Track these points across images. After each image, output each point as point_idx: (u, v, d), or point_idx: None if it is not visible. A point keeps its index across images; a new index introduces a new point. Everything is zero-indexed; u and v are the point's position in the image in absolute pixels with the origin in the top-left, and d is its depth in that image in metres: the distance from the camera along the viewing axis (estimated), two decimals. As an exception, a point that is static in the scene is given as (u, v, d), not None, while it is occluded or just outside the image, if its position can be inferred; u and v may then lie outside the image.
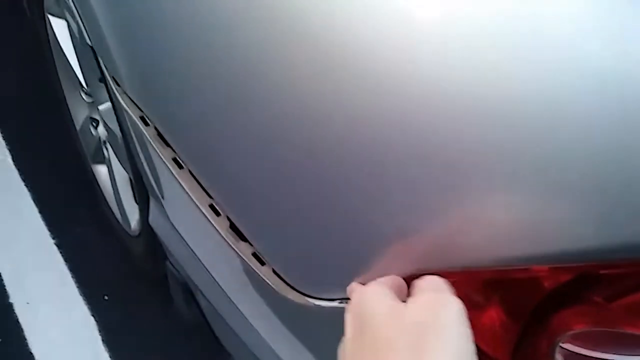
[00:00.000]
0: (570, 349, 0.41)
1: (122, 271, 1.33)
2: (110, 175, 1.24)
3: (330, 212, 0.48)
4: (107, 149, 1.23)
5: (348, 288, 0.45)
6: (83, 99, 1.26)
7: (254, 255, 0.59)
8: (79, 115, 1.33)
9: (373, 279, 0.45)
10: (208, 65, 0.53)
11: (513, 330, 0.41)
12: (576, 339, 0.41)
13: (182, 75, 0.57)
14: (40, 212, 1.43)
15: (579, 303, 0.38)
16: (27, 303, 1.29)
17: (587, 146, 0.34)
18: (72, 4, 0.80)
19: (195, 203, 0.64)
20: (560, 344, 0.41)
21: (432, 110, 0.38)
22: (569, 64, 0.34)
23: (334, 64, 0.42)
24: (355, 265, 0.48)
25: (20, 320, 1.26)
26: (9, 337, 1.23)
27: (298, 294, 0.55)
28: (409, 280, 0.43)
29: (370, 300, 0.38)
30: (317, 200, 0.48)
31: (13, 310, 1.27)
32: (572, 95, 0.34)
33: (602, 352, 0.42)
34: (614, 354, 0.42)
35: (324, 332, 0.58)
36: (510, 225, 0.37)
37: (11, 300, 1.28)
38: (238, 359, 0.96)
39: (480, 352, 0.44)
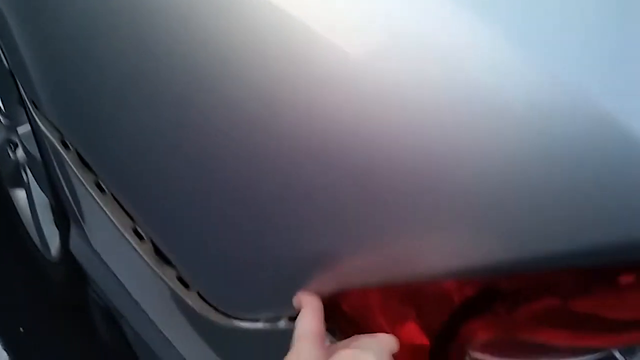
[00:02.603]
0: (475, 357, 0.44)
1: (39, 300, 1.26)
2: (29, 200, 1.19)
3: (253, 235, 0.49)
4: (26, 172, 1.18)
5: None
6: (0, 121, 1.21)
7: (179, 278, 0.59)
8: (-5, 137, 1.27)
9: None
10: (129, 88, 0.53)
11: (427, 343, 0.44)
12: (485, 349, 0.44)
13: (103, 100, 0.57)
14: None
15: (485, 314, 0.41)
16: None
17: (491, 162, 0.37)
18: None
19: (118, 228, 0.63)
20: (471, 355, 0.44)
21: (355, 127, 0.40)
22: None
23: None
24: (277, 286, 0.49)
25: None
26: None
27: (223, 316, 0.56)
28: (330, 300, 0.45)
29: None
30: (240, 221, 0.49)
31: None
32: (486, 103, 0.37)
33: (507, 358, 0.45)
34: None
35: (249, 353, 0.58)
36: (422, 243, 0.39)
37: None
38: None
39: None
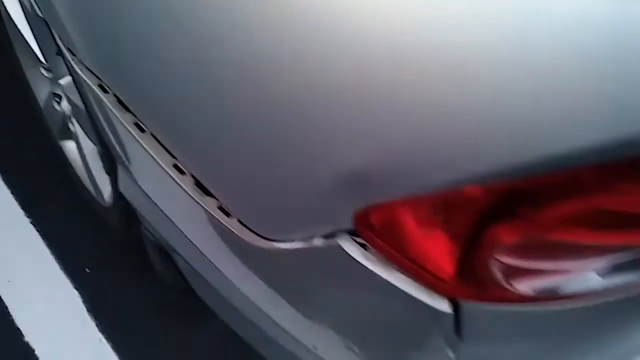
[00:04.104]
0: (508, 262, 0.46)
1: (100, 243, 1.35)
2: (79, 150, 1.25)
3: (281, 160, 0.51)
4: (72, 123, 1.23)
5: None
6: (44, 75, 1.25)
7: (220, 208, 0.62)
8: (41, 92, 1.32)
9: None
10: (162, 25, 0.54)
11: (456, 250, 0.46)
12: (512, 253, 0.45)
13: (137, 38, 0.58)
14: (12, 193, 1.43)
15: (510, 218, 0.42)
16: (8, 281, 1.31)
17: (508, 67, 0.37)
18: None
19: (160, 164, 0.66)
20: (498, 258, 0.45)
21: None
22: None
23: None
24: (308, 206, 0.52)
25: (3, 298, 1.28)
26: (-5, 316, 1.26)
27: (263, 239, 0.59)
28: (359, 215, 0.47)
29: None
30: (269, 149, 0.51)
31: (-4, 290, 1.29)
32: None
33: (538, 262, 0.46)
34: (548, 263, 0.46)
35: (289, 271, 0.62)
36: (442, 151, 0.40)
37: (-7, 281, 1.30)
38: (220, 314, 1.00)
39: (429, 274, 0.48)
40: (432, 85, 0.39)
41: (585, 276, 0.48)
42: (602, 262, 0.47)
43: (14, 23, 1.17)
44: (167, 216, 0.77)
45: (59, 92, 1.25)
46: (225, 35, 0.49)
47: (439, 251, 0.46)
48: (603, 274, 0.48)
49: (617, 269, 0.48)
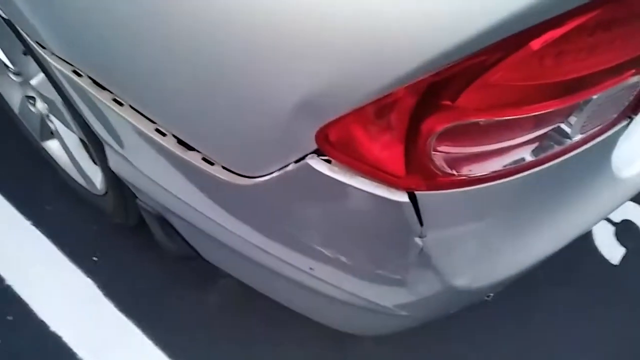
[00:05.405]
0: (446, 151, 0.54)
1: (100, 231, 1.43)
2: (63, 146, 1.30)
3: (247, 103, 0.58)
4: (51, 121, 1.28)
5: None
6: (13, 80, 1.29)
7: (203, 159, 0.70)
8: (14, 97, 1.36)
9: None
10: (124, 6, 0.60)
11: (401, 147, 0.54)
12: (447, 140, 0.53)
13: (103, 19, 0.64)
14: (8, 200, 1.49)
15: (436, 110, 0.50)
16: (24, 282, 1.38)
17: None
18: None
19: (143, 132, 0.73)
20: (437, 149, 0.54)
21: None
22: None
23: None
24: (279, 138, 0.59)
25: (23, 297, 1.35)
26: (17, 313, 1.33)
27: (247, 178, 0.67)
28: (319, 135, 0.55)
29: None
30: (235, 98, 0.58)
31: (13, 290, 1.36)
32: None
33: (471, 147, 0.55)
34: (479, 146, 0.55)
35: (274, 202, 0.70)
36: (367, 64, 0.48)
37: (8, 282, 1.37)
38: (222, 266, 1.09)
39: (384, 173, 0.57)
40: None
41: (514, 153, 0.56)
42: (525, 138, 0.55)
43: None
44: (157, 183, 0.85)
45: (31, 93, 1.29)
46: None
47: (388, 151, 0.54)
48: (529, 148, 0.57)
49: (540, 144, 0.57)
